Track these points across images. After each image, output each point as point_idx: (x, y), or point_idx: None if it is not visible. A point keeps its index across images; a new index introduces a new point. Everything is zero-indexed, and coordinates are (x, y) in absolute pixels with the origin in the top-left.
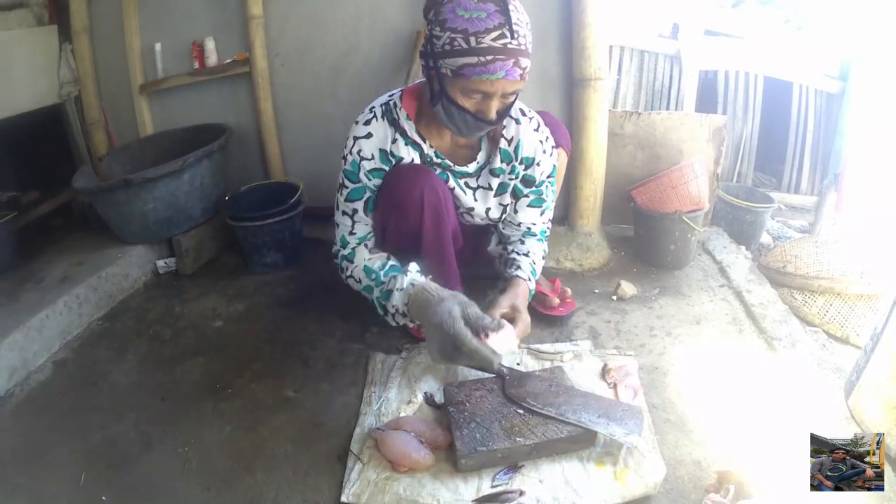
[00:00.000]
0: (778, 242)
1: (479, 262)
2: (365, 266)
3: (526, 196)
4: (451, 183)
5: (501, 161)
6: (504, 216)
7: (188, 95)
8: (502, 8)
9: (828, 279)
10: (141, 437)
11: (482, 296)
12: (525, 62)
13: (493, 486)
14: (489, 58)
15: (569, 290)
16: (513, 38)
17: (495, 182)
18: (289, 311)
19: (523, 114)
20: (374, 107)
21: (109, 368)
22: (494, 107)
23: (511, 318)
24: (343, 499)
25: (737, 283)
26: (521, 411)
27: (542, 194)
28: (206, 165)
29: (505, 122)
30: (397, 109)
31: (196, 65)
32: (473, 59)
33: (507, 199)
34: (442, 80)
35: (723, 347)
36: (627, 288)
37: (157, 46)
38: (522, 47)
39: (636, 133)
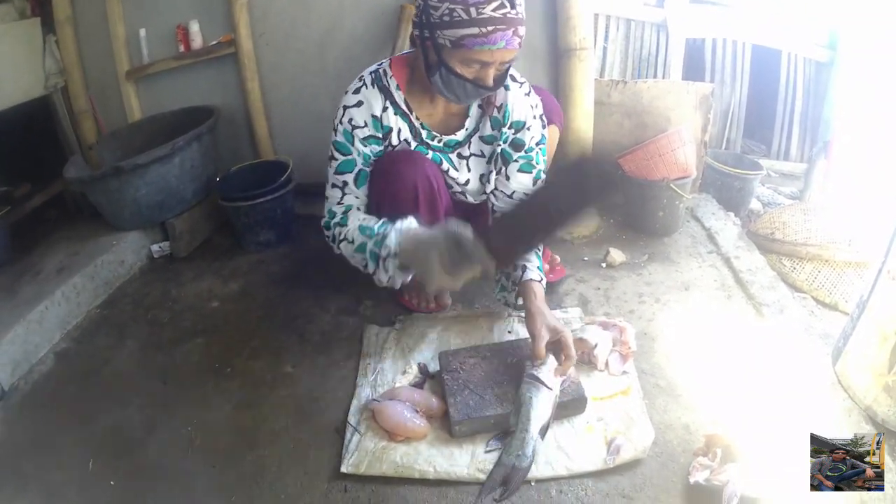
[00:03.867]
0: (768, 209)
1: None
2: (360, 225)
3: (515, 161)
4: (445, 165)
5: (492, 128)
6: (495, 187)
7: (175, 79)
8: None
9: (816, 246)
10: (145, 420)
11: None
12: (522, 30)
13: (486, 452)
14: (490, 28)
15: (558, 258)
16: (512, 7)
17: (488, 150)
18: (283, 288)
19: (513, 79)
20: (363, 76)
21: (110, 355)
22: (492, 74)
23: (555, 341)
24: (342, 469)
25: (725, 249)
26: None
27: (531, 160)
28: (195, 148)
29: None
30: (387, 77)
31: (181, 48)
32: (475, 30)
33: (496, 164)
34: (440, 51)
35: (711, 313)
36: (616, 255)
37: (142, 32)
38: (520, 16)
39: (623, 101)
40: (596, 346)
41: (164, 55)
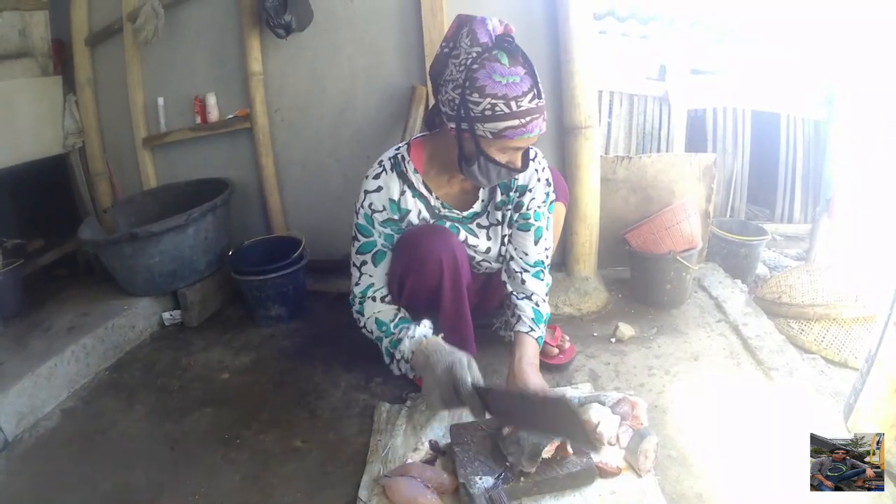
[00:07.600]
0: (774, 273)
1: (485, 310)
2: (376, 319)
3: (516, 221)
4: (462, 234)
5: (502, 193)
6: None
7: (191, 150)
8: (529, 69)
9: (823, 306)
10: (152, 485)
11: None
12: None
13: None
14: (528, 119)
15: (568, 338)
16: (539, 96)
17: (500, 215)
18: (294, 363)
19: None
20: (382, 160)
21: (118, 418)
22: (520, 156)
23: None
24: None
25: (733, 317)
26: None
27: (529, 218)
28: (210, 220)
29: None
30: (405, 162)
31: (198, 120)
32: (515, 122)
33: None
34: (478, 141)
35: (721, 381)
36: (625, 329)
37: (160, 101)
38: (545, 102)
39: (628, 177)
40: (599, 424)
41: (181, 125)
